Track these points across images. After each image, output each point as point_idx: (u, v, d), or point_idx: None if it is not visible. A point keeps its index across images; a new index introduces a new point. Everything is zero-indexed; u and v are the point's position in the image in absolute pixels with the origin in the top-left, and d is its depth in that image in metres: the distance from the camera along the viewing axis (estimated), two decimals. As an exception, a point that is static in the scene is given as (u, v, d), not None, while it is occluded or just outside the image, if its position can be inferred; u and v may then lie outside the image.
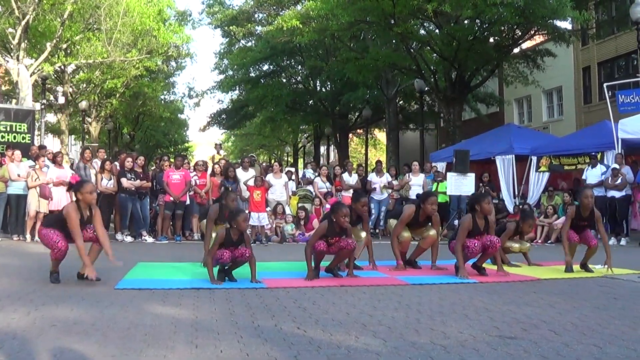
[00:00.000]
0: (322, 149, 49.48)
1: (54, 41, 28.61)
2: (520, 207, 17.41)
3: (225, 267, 7.86)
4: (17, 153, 15.03)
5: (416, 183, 17.81)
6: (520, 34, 25.77)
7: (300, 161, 52.71)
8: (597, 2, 27.69)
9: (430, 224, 9.67)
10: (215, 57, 43.81)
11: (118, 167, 15.52)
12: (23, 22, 26.19)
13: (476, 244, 8.63)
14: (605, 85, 19.84)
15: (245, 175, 16.12)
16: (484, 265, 8.95)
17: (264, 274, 8.39)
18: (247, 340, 4.67)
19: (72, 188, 7.81)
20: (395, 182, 18.25)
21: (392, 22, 24.12)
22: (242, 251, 7.80)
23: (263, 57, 36.62)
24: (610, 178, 15.73)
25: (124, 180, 14.94)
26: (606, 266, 9.06)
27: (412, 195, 17.09)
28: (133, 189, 15.03)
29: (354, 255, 8.75)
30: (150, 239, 15.24)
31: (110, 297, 6.53)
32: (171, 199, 15.43)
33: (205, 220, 9.79)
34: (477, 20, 24.30)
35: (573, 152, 18.19)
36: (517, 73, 31.34)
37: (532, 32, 25.85)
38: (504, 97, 37.32)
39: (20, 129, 17.60)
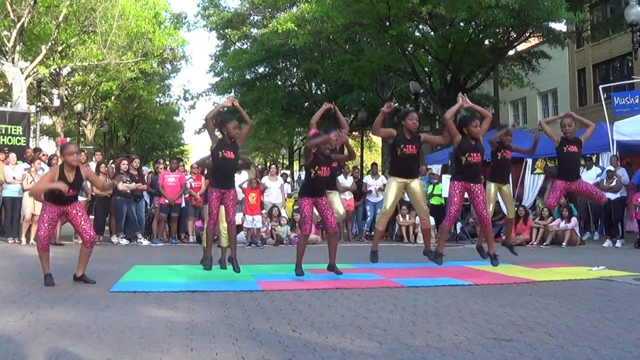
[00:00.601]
0: (318, 151, 49.35)
1: (49, 44, 28.66)
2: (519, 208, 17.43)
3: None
4: (12, 156, 15.03)
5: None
6: (515, 36, 25.82)
7: (296, 163, 52.63)
8: (592, 4, 27.75)
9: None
10: (211, 59, 43.71)
11: (114, 170, 15.53)
12: (18, 25, 26.22)
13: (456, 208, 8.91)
14: (600, 87, 19.84)
15: (238, 178, 16.11)
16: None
17: (259, 277, 8.40)
18: (242, 343, 4.67)
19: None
20: (390, 185, 18.22)
21: (387, 24, 24.12)
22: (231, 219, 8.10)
23: (258, 59, 36.57)
24: (605, 180, 15.74)
25: (119, 183, 14.94)
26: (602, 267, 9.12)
27: (407, 197, 17.10)
28: (128, 191, 15.04)
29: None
30: (145, 242, 15.24)
31: (105, 300, 6.52)
32: (166, 201, 15.45)
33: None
34: (472, 23, 24.31)
35: (568, 154, 18.19)
36: (512, 75, 31.35)
37: (527, 34, 25.91)
38: (499, 99, 37.31)
39: (15, 131, 17.57)
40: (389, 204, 9.66)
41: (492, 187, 9.86)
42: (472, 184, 8.86)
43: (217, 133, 8.32)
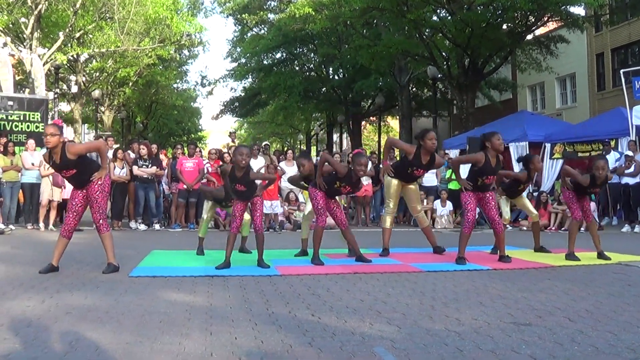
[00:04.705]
0: (335, 137, 49.23)
1: (67, 30, 28.72)
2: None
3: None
4: (31, 142, 15.13)
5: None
6: (533, 20, 25.65)
7: (314, 149, 52.59)
8: (611, -13, 27.49)
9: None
10: (228, 45, 43.78)
11: (132, 156, 15.56)
12: (35, 12, 26.33)
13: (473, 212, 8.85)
14: (622, 71, 19.70)
15: (254, 164, 16.12)
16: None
17: (277, 261, 8.42)
18: (261, 327, 4.68)
19: None
20: (408, 170, 18.17)
21: (405, 8, 24.05)
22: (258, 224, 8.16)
23: (275, 45, 36.58)
24: (623, 165, 15.63)
25: (134, 168, 14.99)
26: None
27: (426, 182, 17.08)
28: (145, 176, 15.08)
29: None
30: (159, 227, 15.32)
31: (124, 285, 6.55)
32: (184, 187, 15.48)
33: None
34: (491, 7, 24.18)
35: (587, 139, 18.13)
36: (531, 59, 31.17)
37: (546, 19, 25.72)
38: (517, 83, 37.10)
39: (33, 118, 17.66)
40: (393, 203, 9.74)
41: (503, 197, 9.98)
42: (483, 193, 8.84)
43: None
